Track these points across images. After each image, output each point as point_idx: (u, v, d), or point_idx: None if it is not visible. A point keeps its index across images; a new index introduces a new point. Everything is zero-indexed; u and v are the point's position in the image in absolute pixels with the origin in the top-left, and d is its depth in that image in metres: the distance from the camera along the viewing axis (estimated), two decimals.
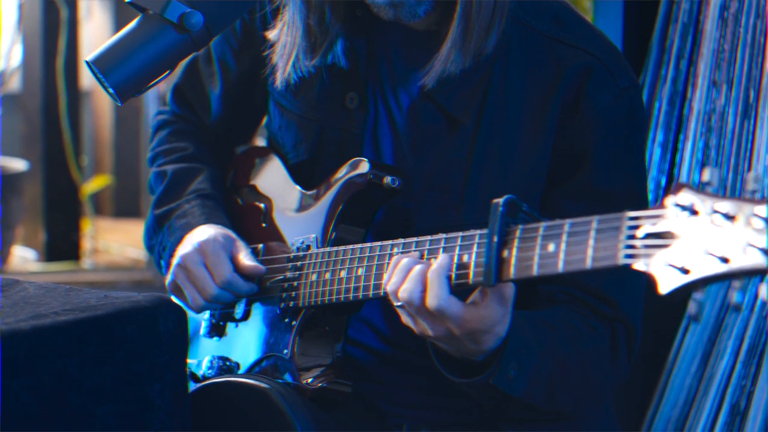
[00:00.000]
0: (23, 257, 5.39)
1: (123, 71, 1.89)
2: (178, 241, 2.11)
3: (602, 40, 2.05)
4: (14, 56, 5.61)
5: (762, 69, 2.69)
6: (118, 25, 6.03)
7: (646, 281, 1.97)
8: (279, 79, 2.09)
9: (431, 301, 1.77)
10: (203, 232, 2.09)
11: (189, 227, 2.12)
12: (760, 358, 2.65)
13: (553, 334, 1.91)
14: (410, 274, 1.80)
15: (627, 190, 2.00)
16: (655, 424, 2.79)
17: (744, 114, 2.72)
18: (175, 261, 2.08)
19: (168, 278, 2.10)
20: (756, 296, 2.65)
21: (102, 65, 1.88)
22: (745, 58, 2.73)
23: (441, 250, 1.80)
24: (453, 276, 1.77)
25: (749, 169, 2.71)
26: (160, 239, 2.19)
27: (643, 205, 2.03)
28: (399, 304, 1.81)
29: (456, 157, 2.02)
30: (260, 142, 2.42)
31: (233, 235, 2.10)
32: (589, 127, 1.99)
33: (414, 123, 2.05)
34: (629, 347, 2.01)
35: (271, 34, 2.10)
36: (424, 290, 1.78)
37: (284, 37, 2.07)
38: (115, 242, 5.77)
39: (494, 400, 1.89)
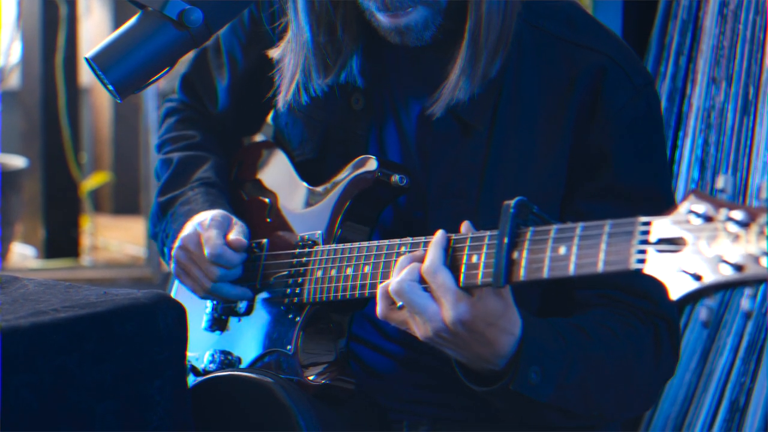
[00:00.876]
0: (22, 254, 5.39)
1: (122, 68, 1.88)
2: (181, 227, 2.12)
3: (615, 40, 2.05)
4: (13, 53, 5.61)
5: (761, 65, 2.69)
6: (117, 22, 6.03)
7: None
8: (281, 101, 2.09)
9: (426, 265, 1.76)
10: (203, 216, 2.09)
11: (192, 213, 2.13)
12: (759, 354, 2.65)
13: (585, 337, 1.89)
14: (400, 268, 1.80)
15: (651, 187, 1.99)
16: (654, 421, 2.79)
17: (743, 110, 2.72)
18: (176, 244, 2.09)
19: (172, 264, 2.10)
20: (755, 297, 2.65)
21: (101, 62, 1.88)
22: (745, 54, 2.72)
23: (450, 249, 1.79)
24: (462, 276, 1.77)
25: (749, 166, 2.71)
26: (164, 226, 2.19)
27: (669, 202, 2.01)
28: (399, 304, 1.79)
29: (471, 163, 2.01)
30: (259, 137, 2.41)
31: (232, 216, 2.10)
32: (608, 128, 1.98)
33: (426, 129, 2.04)
34: (672, 342, 1.99)
35: (275, 53, 2.10)
36: (417, 278, 1.77)
37: (289, 58, 2.06)
38: (115, 239, 5.77)
39: (524, 410, 1.87)
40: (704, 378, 2.73)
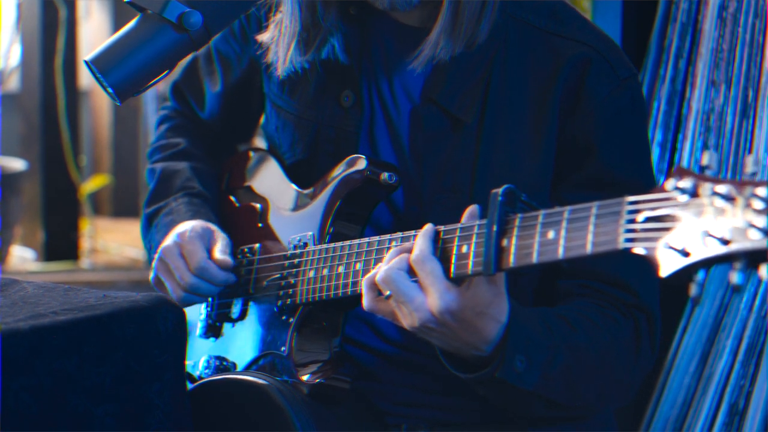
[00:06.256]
0: (22, 257, 5.39)
1: (122, 71, 1.89)
2: (163, 238, 2.13)
3: (599, 33, 2.06)
4: (13, 56, 5.61)
5: (760, 68, 2.69)
6: (116, 25, 6.03)
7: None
8: (280, 69, 2.09)
9: (415, 255, 1.76)
10: (184, 226, 2.10)
11: (174, 224, 2.14)
12: (758, 357, 2.65)
13: (568, 327, 1.90)
14: (389, 259, 1.80)
15: (636, 178, 2.00)
16: (653, 424, 2.79)
17: (742, 113, 2.72)
18: (157, 255, 2.09)
19: (151, 275, 2.11)
20: (754, 298, 2.65)
21: (101, 65, 1.88)
22: (744, 57, 2.73)
23: (440, 241, 1.79)
24: (452, 266, 1.77)
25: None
26: (150, 238, 2.21)
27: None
28: (386, 294, 1.79)
29: (462, 158, 2.02)
30: (260, 143, 2.42)
31: (214, 227, 2.11)
32: (592, 119, 1.99)
33: (418, 128, 2.05)
34: (651, 335, 2.00)
35: (264, 37, 2.11)
36: (405, 268, 1.77)
37: (279, 33, 2.07)
38: (114, 242, 5.77)
39: (508, 398, 1.87)
40: (703, 381, 2.73)
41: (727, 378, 2.69)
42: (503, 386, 1.83)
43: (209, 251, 2.07)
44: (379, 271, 1.79)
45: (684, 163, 2.80)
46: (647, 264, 1.72)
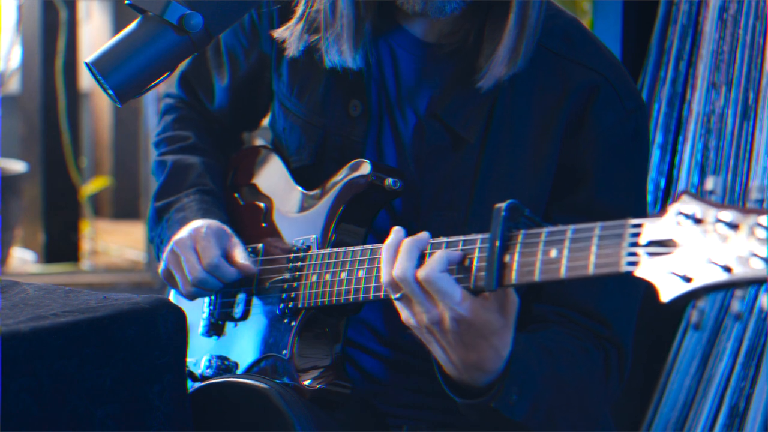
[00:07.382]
0: (22, 259, 5.39)
1: (122, 73, 1.89)
2: (175, 233, 2.12)
3: (610, 59, 2.05)
4: (13, 57, 5.61)
5: (761, 70, 2.70)
6: (117, 27, 6.04)
7: (641, 300, 1.96)
8: (293, 50, 2.07)
9: (422, 272, 1.72)
10: (198, 223, 2.10)
11: (186, 221, 2.14)
12: (759, 359, 2.65)
13: (551, 358, 1.89)
14: (401, 247, 1.77)
15: (628, 210, 1.98)
16: (654, 426, 2.79)
17: (743, 115, 2.72)
18: (168, 247, 2.09)
19: (161, 266, 2.11)
20: (755, 300, 2.65)
21: (101, 67, 1.88)
22: (744, 59, 2.73)
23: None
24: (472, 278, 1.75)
25: (748, 170, 2.71)
26: (159, 231, 2.21)
27: None
28: (397, 296, 1.78)
29: (462, 176, 2.01)
30: (259, 141, 2.42)
31: (229, 230, 2.11)
32: (593, 146, 1.98)
33: (420, 141, 2.04)
34: (621, 369, 1.99)
35: (282, 33, 2.09)
36: (420, 264, 1.74)
37: (327, 26, 2.04)
38: (114, 244, 5.78)
39: (490, 422, 1.85)
40: (704, 383, 2.73)
41: (727, 380, 2.70)
42: (492, 414, 1.82)
43: (224, 251, 2.07)
44: (395, 265, 1.76)
45: (684, 165, 2.80)
46: (624, 296, 1.70)
